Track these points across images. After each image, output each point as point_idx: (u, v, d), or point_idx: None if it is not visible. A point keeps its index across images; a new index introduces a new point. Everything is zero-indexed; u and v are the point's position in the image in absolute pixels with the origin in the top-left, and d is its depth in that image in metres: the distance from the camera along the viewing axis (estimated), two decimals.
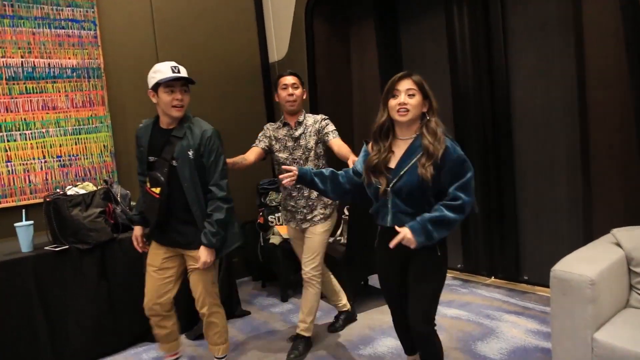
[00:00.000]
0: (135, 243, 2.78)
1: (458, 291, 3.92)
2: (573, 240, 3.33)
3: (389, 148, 2.17)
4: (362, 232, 3.67)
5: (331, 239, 4.04)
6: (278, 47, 4.98)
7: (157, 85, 2.50)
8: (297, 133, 3.11)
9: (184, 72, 2.53)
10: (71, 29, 3.87)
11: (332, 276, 3.44)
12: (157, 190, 2.53)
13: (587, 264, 2.11)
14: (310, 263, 3.10)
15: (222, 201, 2.57)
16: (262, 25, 5.03)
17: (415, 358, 2.53)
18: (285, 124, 3.16)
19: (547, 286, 2.19)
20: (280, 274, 4.15)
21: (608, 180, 3.22)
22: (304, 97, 3.18)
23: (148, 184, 2.59)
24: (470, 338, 3.11)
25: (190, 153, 2.51)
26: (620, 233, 2.37)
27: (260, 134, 3.24)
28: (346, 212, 4.02)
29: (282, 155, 3.13)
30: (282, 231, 4.15)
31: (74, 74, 3.90)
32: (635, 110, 2.82)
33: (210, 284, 2.73)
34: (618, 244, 2.34)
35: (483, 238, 4.07)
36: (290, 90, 3.09)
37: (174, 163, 2.51)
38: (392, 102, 2.12)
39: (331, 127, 3.12)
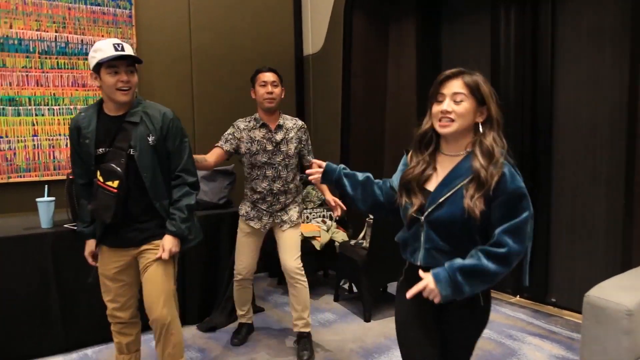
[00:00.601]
0: (90, 260, 2.46)
1: None
2: (609, 266, 3.23)
3: (429, 162, 1.75)
4: (386, 238, 3.61)
5: (352, 242, 4.00)
6: (314, 40, 4.95)
7: (98, 66, 2.19)
8: (278, 137, 3.07)
9: (128, 50, 2.23)
10: (107, 6, 3.90)
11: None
12: (115, 184, 2.20)
13: (625, 292, 2.02)
14: (297, 259, 3.12)
15: (191, 187, 2.38)
16: (299, 16, 5.01)
17: None
18: (263, 125, 3.08)
19: (576, 311, 2.12)
20: None
21: None
22: (282, 97, 3.13)
23: (100, 178, 2.24)
24: (490, 357, 3.03)
25: (151, 139, 2.27)
26: None
27: (227, 133, 3.11)
28: (370, 215, 3.96)
29: (261, 158, 3.05)
30: (303, 230, 4.12)
31: None
32: None
33: (171, 283, 2.40)
34: None
35: None
36: (269, 87, 3.04)
37: (132, 152, 2.24)
38: (435, 109, 1.71)
39: (309, 144, 3.20)
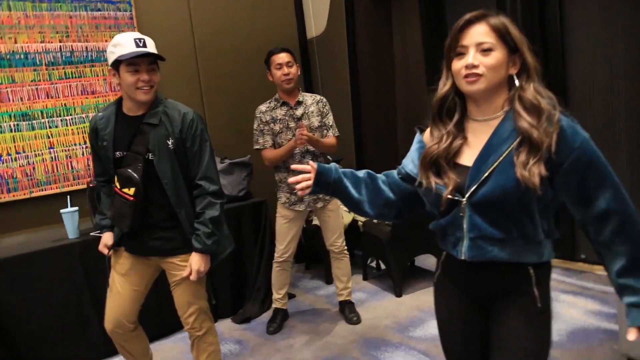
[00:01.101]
0: (105, 251, 2.28)
1: None
2: None
3: (456, 133, 1.40)
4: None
5: (376, 220, 3.94)
6: (316, 23, 4.84)
7: (117, 63, 1.99)
8: (298, 113, 3.05)
9: (151, 46, 2.03)
10: (107, 10, 3.81)
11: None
12: (131, 191, 2.03)
13: None
14: (339, 238, 3.30)
15: (214, 196, 2.15)
16: (299, 1, 4.89)
17: None
18: (284, 103, 3.07)
19: None
20: (324, 256, 4.07)
21: None
22: (298, 74, 3.09)
23: (117, 185, 2.09)
24: None
25: (170, 142, 2.07)
26: None
27: (255, 128, 3.09)
28: None
29: (285, 136, 3.03)
30: None
31: None
32: None
33: (203, 299, 2.29)
34: None
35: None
36: (285, 69, 3.01)
37: (150, 157, 2.06)
38: (457, 65, 1.35)
39: (332, 118, 3.15)
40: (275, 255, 3.25)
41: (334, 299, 3.67)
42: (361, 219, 4.09)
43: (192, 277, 2.12)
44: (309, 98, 3.15)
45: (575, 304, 3.09)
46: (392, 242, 3.61)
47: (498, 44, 1.32)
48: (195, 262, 2.12)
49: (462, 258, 1.37)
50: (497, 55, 1.31)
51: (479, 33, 1.32)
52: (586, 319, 2.90)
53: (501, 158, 1.29)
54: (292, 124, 3.04)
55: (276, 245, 3.25)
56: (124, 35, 2.01)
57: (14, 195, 3.49)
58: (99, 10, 3.77)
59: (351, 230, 4.03)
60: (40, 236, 3.31)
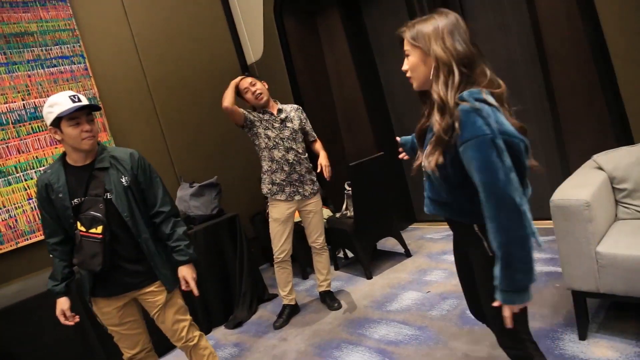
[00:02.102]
0: (62, 319, 2.23)
1: None
2: (552, 177, 3.49)
3: (428, 116, 1.55)
4: (365, 201, 3.80)
5: (338, 215, 4.17)
6: (254, 49, 5.03)
7: (58, 120, 2.05)
8: (281, 116, 3.27)
9: (84, 100, 2.11)
10: (62, 65, 3.87)
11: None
12: (99, 229, 2.09)
13: (579, 189, 2.25)
14: (321, 236, 3.47)
15: (175, 216, 2.31)
16: (235, 32, 5.08)
17: None
18: (265, 112, 3.26)
19: (545, 219, 2.31)
20: (297, 254, 4.24)
21: (575, 117, 3.38)
22: (267, 87, 3.29)
23: (82, 228, 2.11)
24: None
25: (124, 180, 2.18)
26: (600, 157, 2.53)
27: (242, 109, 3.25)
28: (347, 187, 4.13)
29: (271, 133, 3.23)
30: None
31: None
32: (590, 46, 2.95)
33: (187, 312, 2.39)
34: (600, 168, 2.50)
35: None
36: (251, 89, 3.20)
37: (108, 196, 2.14)
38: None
39: (309, 124, 3.44)
40: (274, 256, 3.38)
41: (313, 291, 3.86)
42: (325, 216, 4.29)
43: (191, 287, 2.24)
44: (287, 107, 3.35)
45: None
46: (356, 231, 3.82)
47: (413, 48, 1.47)
48: (188, 273, 2.25)
49: (427, 212, 1.65)
50: (412, 59, 1.49)
51: (404, 44, 1.52)
52: (536, 267, 3.20)
53: (428, 141, 1.51)
54: (276, 124, 3.23)
55: (273, 247, 3.38)
56: (59, 95, 2.08)
57: (1, 249, 3.50)
58: (54, 66, 3.82)
59: None
60: (34, 282, 3.30)
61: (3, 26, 3.64)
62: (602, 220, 2.28)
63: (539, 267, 3.16)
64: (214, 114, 4.61)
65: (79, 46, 3.96)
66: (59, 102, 2.04)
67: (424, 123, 1.56)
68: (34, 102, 3.71)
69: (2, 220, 3.52)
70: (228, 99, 3.12)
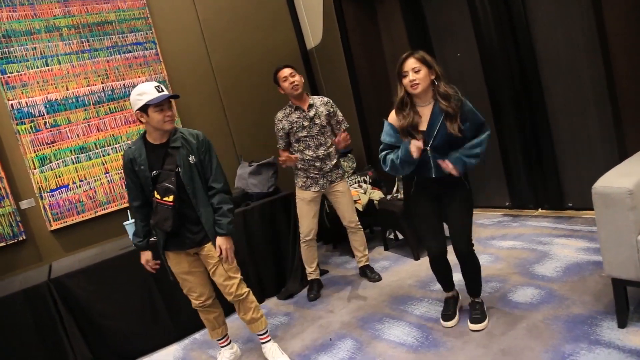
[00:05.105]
0: (148, 268, 2.76)
1: (510, 226, 4.05)
2: (609, 165, 3.38)
3: (413, 114, 2.42)
4: (418, 192, 3.84)
5: (389, 197, 4.25)
6: (313, 35, 5.16)
7: (145, 107, 2.44)
8: (311, 114, 3.41)
9: (166, 90, 2.53)
10: (136, 51, 4.19)
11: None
12: (170, 198, 2.49)
13: (624, 177, 2.22)
14: (353, 215, 3.65)
15: (225, 192, 2.62)
16: (296, 19, 5.22)
17: (454, 293, 2.86)
18: (297, 108, 3.42)
19: (591, 209, 2.30)
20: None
21: (635, 104, 3.26)
22: (303, 81, 3.43)
23: (158, 196, 2.52)
24: (526, 263, 3.26)
25: (191, 159, 2.54)
26: None
27: (277, 130, 3.47)
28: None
29: (301, 133, 3.41)
30: None
31: None
32: None
33: (237, 272, 2.74)
34: None
35: (526, 176, 4.15)
36: (290, 79, 3.34)
37: (179, 170, 2.52)
38: (405, 81, 2.40)
39: (340, 114, 3.54)
40: (301, 235, 3.61)
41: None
42: (376, 198, 4.39)
43: (223, 255, 2.60)
44: (317, 100, 3.49)
45: (567, 245, 3.35)
46: (406, 214, 3.88)
47: (422, 66, 2.38)
48: (223, 243, 2.59)
49: (433, 176, 2.50)
50: (423, 72, 2.38)
51: (412, 63, 2.39)
52: (577, 255, 3.16)
53: (439, 124, 2.41)
54: (306, 123, 3.40)
55: (299, 227, 3.62)
56: (146, 86, 2.46)
57: (82, 216, 3.89)
58: (130, 52, 4.15)
59: (369, 209, 4.34)
60: (109, 247, 3.68)
61: (87, 17, 3.99)
62: None
63: (584, 256, 3.13)
64: (274, 98, 4.79)
65: (152, 33, 4.26)
66: (147, 92, 2.43)
67: (413, 119, 2.43)
68: (112, 85, 4.05)
69: (84, 192, 3.90)
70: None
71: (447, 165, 2.37)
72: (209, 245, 2.63)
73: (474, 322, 2.64)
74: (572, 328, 2.41)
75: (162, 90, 2.47)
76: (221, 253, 2.60)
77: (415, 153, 2.35)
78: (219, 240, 2.60)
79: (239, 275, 2.74)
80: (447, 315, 2.78)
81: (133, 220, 3.44)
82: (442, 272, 2.76)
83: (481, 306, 2.69)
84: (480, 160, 2.44)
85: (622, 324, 2.30)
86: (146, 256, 2.74)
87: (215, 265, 2.66)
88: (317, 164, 3.44)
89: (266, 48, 4.96)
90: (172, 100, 2.57)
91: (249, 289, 2.79)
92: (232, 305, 2.81)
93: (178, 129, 2.61)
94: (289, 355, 2.87)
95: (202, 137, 2.63)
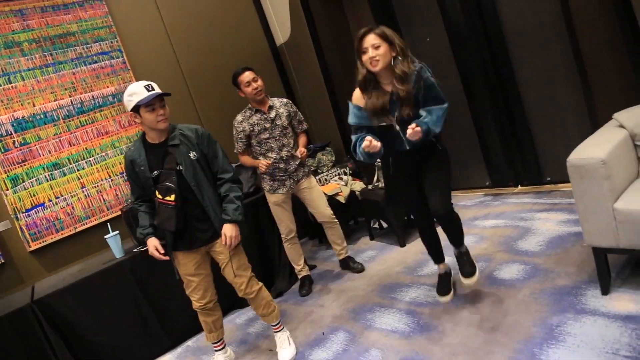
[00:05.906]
0: (156, 254, 2.60)
1: (491, 205, 4.10)
2: (583, 137, 3.43)
3: (380, 92, 2.36)
4: (396, 172, 3.85)
5: (370, 187, 4.26)
6: (282, 31, 5.13)
7: (137, 107, 2.42)
8: (272, 115, 3.41)
9: (157, 88, 2.47)
10: (103, 61, 4.12)
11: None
12: (172, 197, 2.48)
13: (596, 147, 2.26)
14: (327, 208, 3.65)
15: (233, 182, 2.63)
16: (263, 16, 5.19)
17: (445, 265, 2.87)
18: (257, 111, 3.42)
19: (568, 181, 2.33)
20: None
21: (603, 74, 3.30)
22: (264, 85, 3.42)
23: (159, 196, 2.51)
24: (510, 240, 3.30)
25: (192, 155, 2.53)
26: (621, 115, 2.51)
27: (235, 135, 3.45)
28: (378, 160, 4.19)
29: (263, 135, 3.41)
30: (325, 190, 4.36)
31: (115, 99, 4.16)
32: (614, 7, 2.89)
33: (248, 269, 2.75)
34: (621, 126, 2.48)
35: (503, 154, 4.19)
36: (253, 85, 3.34)
37: (180, 167, 2.50)
38: (364, 58, 2.32)
39: (300, 115, 3.57)
40: (282, 236, 3.65)
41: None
42: (358, 188, 4.40)
43: (227, 242, 2.58)
44: (277, 102, 3.49)
45: (548, 219, 3.40)
46: (388, 202, 3.88)
47: (382, 42, 2.28)
48: (228, 230, 2.58)
49: (407, 149, 2.43)
50: (383, 48, 2.28)
51: (371, 39, 2.29)
52: (558, 228, 3.21)
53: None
54: (267, 125, 3.40)
55: (279, 228, 3.64)
56: (136, 85, 2.43)
57: (62, 234, 3.82)
58: (96, 62, 4.07)
59: (352, 201, 4.35)
60: (92, 262, 3.62)
61: (48, 29, 3.90)
62: (621, 179, 2.27)
63: (565, 228, 3.18)
64: (245, 98, 4.77)
65: (117, 41, 4.19)
66: (136, 92, 2.40)
67: (384, 100, 2.37)
68: (80, 98, 3.98)
69: (61, 208, 3.83)
70: (247, 164, 3.46)
71: (412, 129, 2.23)
72: (219, 242, 2.63)
73: (466, 275, 2.66)
74: (558, 300, 2.45)
75: (152, 89, 2.43)
76: (226, 242, 2.59)
77: (367, 149, 2.29)
78: (225, 227, 2.58)
79: (248, 273, 2.75)
80: (442, 291, 2.81)
81: (114, 233, 3.43)
82: (431, 244, 2.79)
83: (467, 255, 2.70)
84: (441, 124, 2.34)
85: (605, 291, 2.35)
86: (153, 242, 2.60)
87: (226, 263, 2.67)
88: (282, 165, 3.45)
89: (235, 47, 4.93)
90: (164, 99, 2.51)
91: (260, 284, 2.81)
92: (230, 306, 2.82)
93: (177, 126, 2.59)
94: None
95: (202, 131, 2.61)
